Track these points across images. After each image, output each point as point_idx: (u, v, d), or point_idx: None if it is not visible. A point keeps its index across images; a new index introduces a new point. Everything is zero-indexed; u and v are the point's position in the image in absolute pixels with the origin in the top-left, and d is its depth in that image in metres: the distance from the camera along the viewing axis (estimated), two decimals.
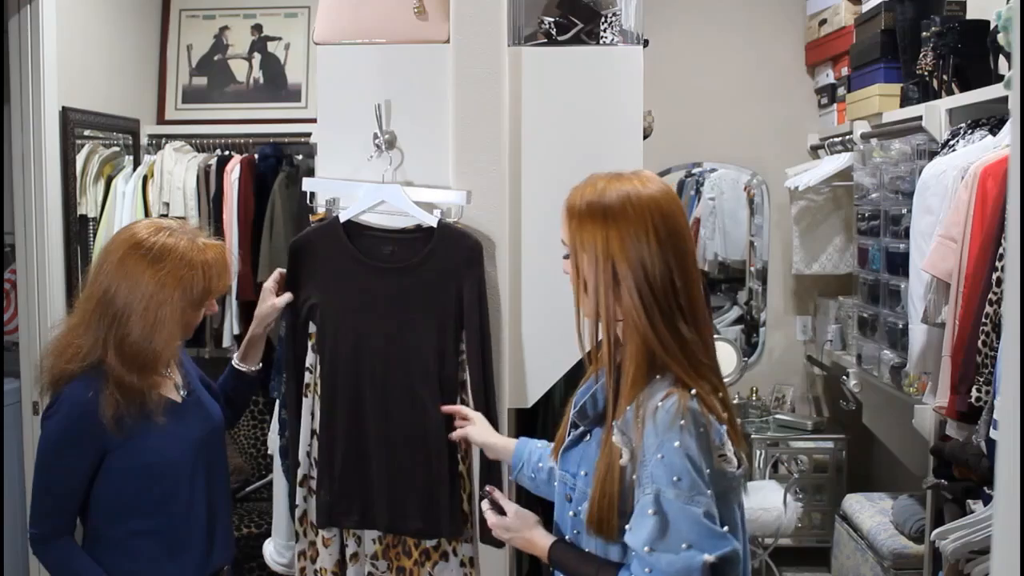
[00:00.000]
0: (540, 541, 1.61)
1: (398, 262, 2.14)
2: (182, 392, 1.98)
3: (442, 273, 2.12)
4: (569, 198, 1.57)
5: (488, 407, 2.12)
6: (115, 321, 1.84)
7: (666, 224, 1.50)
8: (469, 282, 2.11)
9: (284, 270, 2.19)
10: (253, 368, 2.18)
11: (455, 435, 1.99)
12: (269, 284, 2.15)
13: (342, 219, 2.16)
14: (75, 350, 1.85)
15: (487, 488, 1.74)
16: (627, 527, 1.44)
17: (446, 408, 2.05)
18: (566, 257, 1.58)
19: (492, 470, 2.14)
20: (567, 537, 1.58)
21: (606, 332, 1.51)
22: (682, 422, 1.41)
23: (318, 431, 2.17)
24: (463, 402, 2.13)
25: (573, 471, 1.56)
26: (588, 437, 1.56)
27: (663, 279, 1.48)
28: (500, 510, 1.69)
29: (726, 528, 1.42)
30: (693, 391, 1.45)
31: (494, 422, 2.12)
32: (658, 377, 1.48)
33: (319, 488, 2.16)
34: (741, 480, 1.52)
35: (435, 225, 2.12)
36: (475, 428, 1.95)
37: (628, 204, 1.50)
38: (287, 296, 2.14)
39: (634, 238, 1.48)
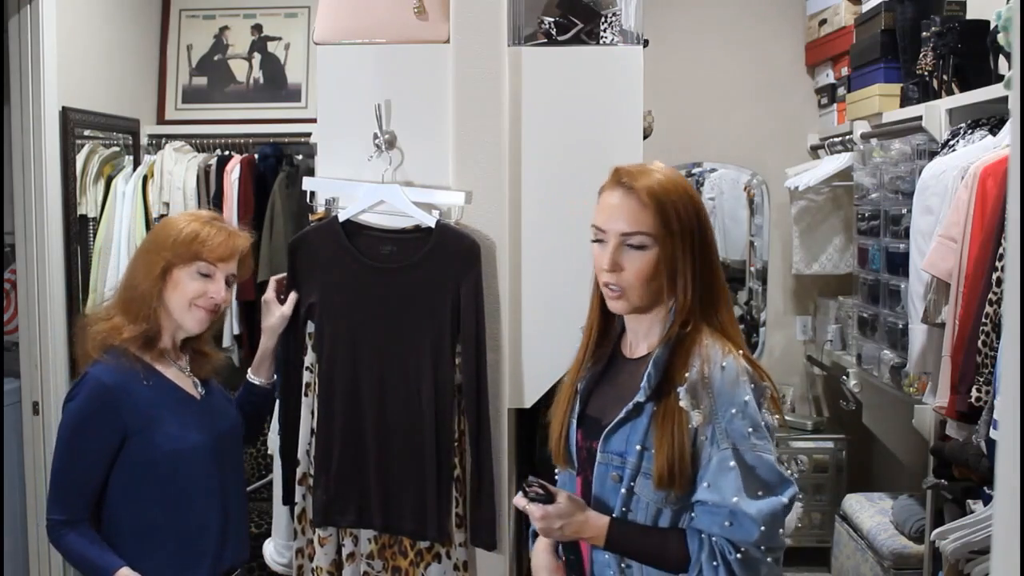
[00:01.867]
0: (597, 521, 1.56)
1: (396, 262, 2.14)
2: (200, 390, 2.01)
3: (440, 273, 2.12)
4: (644, 185, 1.56)
5: (479, 409, 2.12)
6: (123, 283, 2.00)
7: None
8: (466, 283, 2.11)
9: (281, 276, 2.20)
10: (268, 381, 2.19)
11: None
12: (269, 295, 2.17)
13: (341, 219, 2.16)
14: (103, 314, 1.98)
15: (531, 479, 1.60)
16: (705, 485, 1.49)
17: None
18: (640, 247, 1.56)
19: (484, 469, 2.14)
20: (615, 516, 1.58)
21: (679, 314, 1.57)
22: (743, 378, 1.51)
23: (315, 430, 2.17)
24: (459, 404, 2.13)
25: (620, 450, 1.57)
26: (639, 414, 1.56)
27: (719, 260, 1.61)
28: (546, 499, 1.57)
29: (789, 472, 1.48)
30: (740, 352, 1.54)
31: (485, 424, 2.12)
32: (706, 343, 1.54)
33: (315, 487, 2.16)
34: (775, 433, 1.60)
35: (433, 226, 2.12)
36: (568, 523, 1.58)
37: (693, 190, 1.61)
38: (291, 300, 2.15)
39: (709, 224, 1.59)
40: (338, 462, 2.14)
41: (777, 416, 1.58)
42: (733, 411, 1.49)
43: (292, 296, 2.16)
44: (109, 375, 1.87)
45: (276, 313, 2.15)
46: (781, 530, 1.48)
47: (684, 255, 1.55)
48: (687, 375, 1.52)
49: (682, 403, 1.51)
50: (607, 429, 1.59)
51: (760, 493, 1.47)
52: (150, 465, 1.88)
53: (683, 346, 1.55)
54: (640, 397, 1.56)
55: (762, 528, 1.46)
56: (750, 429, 1.48)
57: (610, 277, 1.57)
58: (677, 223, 1.55)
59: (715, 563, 1.47)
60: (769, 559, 1.48)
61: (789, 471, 1.51)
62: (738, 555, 1.47)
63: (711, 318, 1.57)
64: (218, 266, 1.95)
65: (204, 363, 2.05)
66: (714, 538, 1.48)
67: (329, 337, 2.14)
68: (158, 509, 1.90)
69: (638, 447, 1.55)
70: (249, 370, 2.20)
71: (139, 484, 1.89)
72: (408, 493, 2.13)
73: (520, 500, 1.59)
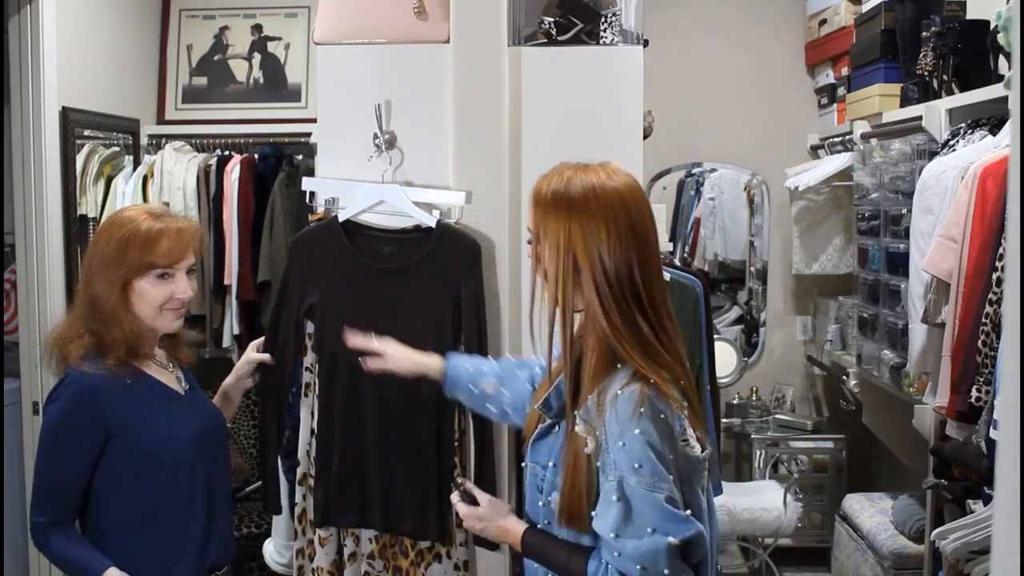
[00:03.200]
0: (514, 528, 1.63)
1: (397, 262, 2.14)
2: (184, 385, 2.00)
3: (440, 273, 2.12)
4: (536, 186, 1.59)
5: None
6: (88, 288, 1.90)
7: (629, 217, 1.52)
8: (467, 283, 2.11)
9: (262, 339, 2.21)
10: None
11: (372, 368, 1.94)
12: (254, 343, 2.21)
13: (341, 219, 2.16)
14: (67, 326, 1.93)
15: (459, 480, 1.77)
16: (594, 514, 1.48)
17: (356, 343, 1.96)
18: (531, 243, 1.61)
19: (484, 468, 2.14)
20: (539, 526, 1.61)
21: (563, 322, 1.54)
22: (642, 410, 1.45)
23: (316, 430, 2.17)
24: (459, 404, 2.12)
25: (543, 463, 1.59)
26: (556, 429, 1.58)
27: (621, 273, 1.50)
28: (473, 501, 1.68)
29: (688, 512, 1.45)
30: (651, 380, 1.48)
31: (486, 424, 2.12)
32: (619, 367, 1.51)
33: (316, 487, 2.16)
34: (705, 463, 1.53)
35: (433, 226, 2.12)
36: (393, 360, 1.92)
37: (592, 196, 1.52)
38: (267, 356, 2.17)
39: (595, 231, 1.50)
40: (338, 462, 2.14)
41: (698, 447, 1.50)
42: (621, 444, 1.44)
43: (267, 356, 2.17)
44: (90, 376, 1.84)
45: (251, 356, 2.17)
46: (666, 571, 1.40)
47: (553, 263, 1.54)
48: (588, 399, 1.50)
49: (578, 428, 1.51)
50: (532, 439, 1.62)
51: (651, 531, 1.41)
52: (135, 463, 1.87)
53: (587, 365, 1.53)
54: (550, 416, 1.58)
55: (639, 567, 1.41)
56: (636, 465, 1.42)
57: None
58: (544, 229, 1.55)
59: None
60: None
61: (688, 511, 1.42)
62: None
63: (622, 339, 1.50)
64: (175, 266, 1.92)
65: (178, 344, 2.02)
66: (611, 566, 1.45)
67: (329, 337, 2.14)
68: (143, 507, 1.88)
69: (551, 463, 1.56)
70: None
71: (124, 483, 1.87)
72: (409, 493, 2.13)
73: (454, 497, 1.70)
